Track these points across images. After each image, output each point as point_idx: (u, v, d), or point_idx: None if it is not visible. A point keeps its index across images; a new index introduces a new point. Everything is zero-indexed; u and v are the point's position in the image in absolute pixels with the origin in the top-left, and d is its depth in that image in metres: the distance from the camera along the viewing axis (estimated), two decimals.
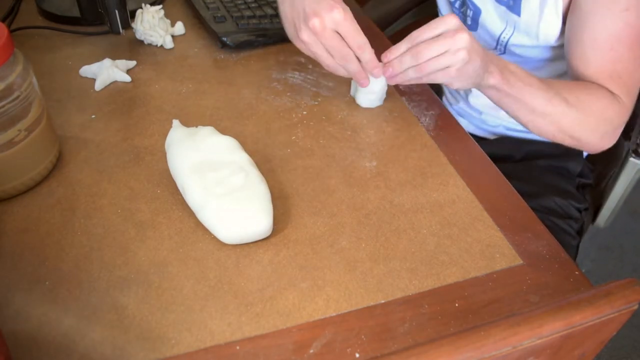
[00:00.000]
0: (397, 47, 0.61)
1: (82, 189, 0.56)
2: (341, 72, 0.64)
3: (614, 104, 0.66)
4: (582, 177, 0.84)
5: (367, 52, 0.62)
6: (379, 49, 0.81)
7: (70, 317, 0.44)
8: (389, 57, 0.61)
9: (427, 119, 0.68)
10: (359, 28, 0.61)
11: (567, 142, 0.66)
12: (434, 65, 0.59)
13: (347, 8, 0.60)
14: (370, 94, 0.68)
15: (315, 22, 0.59)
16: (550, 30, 0.71)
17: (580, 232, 0.83)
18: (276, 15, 0.83)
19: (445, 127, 0.68)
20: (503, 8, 0.74)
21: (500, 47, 0.78)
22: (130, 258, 0.49)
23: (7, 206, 0.54)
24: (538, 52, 0.76)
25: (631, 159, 0.84)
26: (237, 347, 0.43)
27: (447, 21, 0.58)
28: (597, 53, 0.65)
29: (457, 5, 0.83)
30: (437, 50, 0.58)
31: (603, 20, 0.63)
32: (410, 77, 0.61)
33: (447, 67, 0.59)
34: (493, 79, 0.62)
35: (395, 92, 0.73)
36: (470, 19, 0.79)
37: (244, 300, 0.46)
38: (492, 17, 0.76)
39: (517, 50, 0.77)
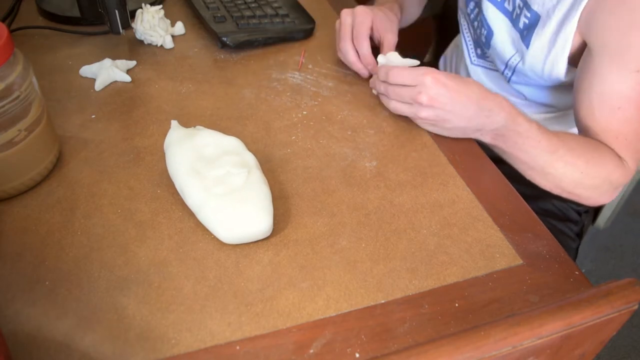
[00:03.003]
0: (381, 69, 0.66)
1: (82, 189, 0.56)
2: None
3: (620, 168, 0.63)
4: None
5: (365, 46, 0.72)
6: (379, 49, 0.81)
7: (70, 317, 0.44)
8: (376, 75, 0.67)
9: None
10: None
11: (564, 195, 0.65)
12: (398, 108, 0.64)
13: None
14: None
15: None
16: (554, 70, 0.69)
17: (580, 235, 0.83)
18: (276, 15, 0.83)
19: None
20: (517, 35, 0.72)
21: (508, 72, 0.77)
22: (130, 258, 0.49)
23: (7, 206, 0.54)
24: (544, 82, 0.75)
25: None
26: (237, 347, 0.43)
27: (424, 79, 0.59)
28: (604, 109, 0.63)
29: (473, 22, 0.82)
30: (401, 96, 0.63)
31: (613, 77, 0.61)
32: (383, 100, 0.67)
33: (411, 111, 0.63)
34: (485, 139, 0.63)
35: None
36: (484, 38, 0.78)
37: (244, 300, 0.46)
38: (504, 42, 0.75)
39: (525, 78, 0.76)
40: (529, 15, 0.69)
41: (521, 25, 0.71)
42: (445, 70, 1.03)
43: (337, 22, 0.75)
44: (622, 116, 0.62)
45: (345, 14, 0.73)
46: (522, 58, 0.72)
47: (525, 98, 0.81)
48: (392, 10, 0.79)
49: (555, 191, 0.64)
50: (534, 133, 0.60)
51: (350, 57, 0.73)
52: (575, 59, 0.67)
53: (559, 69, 0.68)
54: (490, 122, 0.60)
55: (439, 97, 0.59)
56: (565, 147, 0.61)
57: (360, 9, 0.73)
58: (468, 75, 0.88)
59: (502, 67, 0.78)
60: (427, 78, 0.59)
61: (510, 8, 0.73)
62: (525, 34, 0.71)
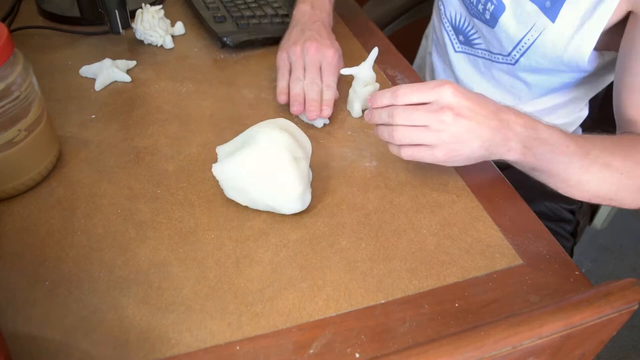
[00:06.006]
0: (382, 94, 0.54)
1: (82, 189, 0.56)
2: (283, 99, 0.66)
3: None
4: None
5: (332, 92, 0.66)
6: (379, 49, 0.81)
7: (70, 317, 0.44)
8: (372, 104, 0.55)
9: None
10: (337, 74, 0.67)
11: (605, 203, 0.58)
12: (408, 136, 0.51)
13: (340, 53, 0.68)
14: (358, 106, 0.68)
15: (311, 46, 0.66)
16: (580, 51, 0.63)
17: (574, 234, 0.83)
18: (276, 15, 0.83)
19: None
20: (535, 7, 0.65)
21: (517, 53, 0.71)
22: (130, 258, 0.49)
23: (7, 206, 0.54)
24: (557, 68, 0.69)
25: None
26: (237, 347, 0.43)
27: (442, 91, 0.50)
28: None
29: None
30: (414, 120, 0.51)
31: None
32: (384, 137, 0.54)
33: (426, 145, 0.51)
34: (513, 156, 0.53)
35: None
36: (489, 14, 0.71)
37: (244, 300, 0.46)
38: (519, 16, 0.67)
39: (537, 60, 0.70)
40: None
41: None
42: (419, 66, 1.02)
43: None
44: None
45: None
46: (541, 34, 0.65)
47: (528, 88, 0.76)
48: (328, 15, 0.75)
49: (595, 200, 0.57)
50: (558, 138, 0.53)
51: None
52: (603, 43, 0.62)
53: (585, 50, 0.62)
54: (513, 134, 0.52)
55: (463, 111, 0.50)
56: (597, 147, 0.54)
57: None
58: (450, 66, 0.84)
59: (508, 48, 0.71)
60: (445, 89, 0.50)
61: None
62: (550, 5, 0.63)
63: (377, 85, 0.68)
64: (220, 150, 0.56)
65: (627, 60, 0.59)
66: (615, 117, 0.63)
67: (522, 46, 0.69)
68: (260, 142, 0.52)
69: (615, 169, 0.54)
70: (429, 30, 1.00)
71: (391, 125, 0.52)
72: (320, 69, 0.67)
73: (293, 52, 0.67)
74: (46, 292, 0.46)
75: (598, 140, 0.55)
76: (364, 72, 0.65)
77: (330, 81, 0.66)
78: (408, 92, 0.51)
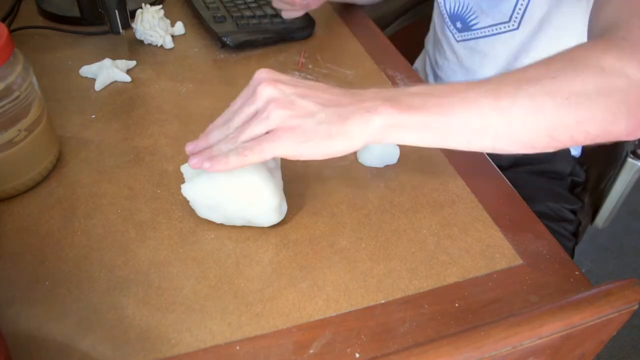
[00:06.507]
0: (203, 138, 0.48)
1: (82, 189, 0.56)
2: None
3: (611, 48, 0.43)
4: (573, 176, 0.84)
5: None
6: (379, 49, 0.81)
7: (70, 317, 0.44)
8: (191, 149, 0.48)
9: None
10: None
11: (573, 143, 0.44)
12: (250, 147, 0.44)
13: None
14: (371, 153, 0.61)
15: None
16: None
17: (575, 234, 0.83)
18: (276, 15, 0.83)
19: None
20: None
21: (517, 17, 0.71)
22: (130, 258, 0.49)
23: (7, 206, 0.54)
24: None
25: (630, 159, 0.84)
26: (237, 347, 0.43)
27: (259, 93, 0.45)
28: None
29: None
30: (253, 133, 0.45)
31: None
32: (233, 163, 0.45)
33: (268, 136, 0.44)
34: (382, 118, 0.43)
35: None
36: None
37: (244, 300, 0.46)
38: None
39: (535, 19, 0.70)
40: None
41: None
42: (425, 68, 1.03)
43: None
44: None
45: None
46: None
47: (533, 51, 0.76)
48: None
49: (555, 145, 0.44)
50: (446, 85, 0.45)
51: None
52: None
53: None
54: (365, 96, 0.45)
55: (285, 87, 0.45)
56: (511, 75, 0.43)
57: None
58: (455, 57, 0.87)
59: (509, 12, 0.72)
60: (260, 89, 0.45)
61: None
62: None
63: None
64: (186, 169, 0.53)
65: None
66: (588, 33, 0.53)
67: (521, 5, 0.71)
68: None
69: (548, 85, 0.42)
70: (429, 36, 1.00)
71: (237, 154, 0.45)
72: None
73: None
74: (46, 292, 0.46)
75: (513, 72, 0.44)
76: None
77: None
78: (235, 110, 0.47)
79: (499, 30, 0.79)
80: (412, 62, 1.05)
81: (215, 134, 0.48)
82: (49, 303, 0.45)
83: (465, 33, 0.84)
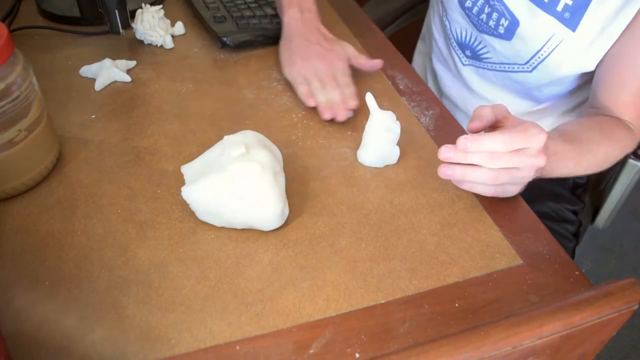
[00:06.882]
0: (489, 141, 0.51)
1: (82, 189, 0.56)
2: (312, 102, 0.66)
3: (631, 136, 0.68)
4: (575, 178, 0.84)
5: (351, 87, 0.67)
6: (379, 49, 0.81)
7: (70, 317, 0.44)
8: (447, 155, 0.52)
9: (427, 119, 0.68)
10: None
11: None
12: (503, 177, 0.52)
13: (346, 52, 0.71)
14: (371, 153, 0.61)
15: (320, 63, 0.68)
16: (599, 54, 0.68)
17: (576, 235, 0.83)
18: (276, 15, 0.83)
19: (445, 127, 0.68)
20: (552, 19, 0.69)
21: (534, 62, 0.74)
22: (130, 258, 0.49)
23: (7, 206, 0.54)
24: (575, 72, 0.72)
25: (630, 160, 0.84)
26: (237, 347, 0.43)
27: (537, 138, 0.51)
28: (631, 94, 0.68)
29: (478, 16, 0.76)
30: (514, 163, 0.52)
31: None
32: (480, 179, 0.52)
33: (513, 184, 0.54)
34: (538, 173, 0.55)
35: (395, 92, 0.73)
36: (503, 29, 0.74)
37: (244, 300, 0.46)
38: (534, 29, 0.71)
39: (552, 70, 0.73)
40: None
41: (560, 8, 0.68)
42: (417, 67, 1.02)
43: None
44: None
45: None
46: (561, 43, 0.69)
47: (544, 92, 0.78)
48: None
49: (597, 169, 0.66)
50: (562, 146, 0.59)
51: None
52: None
53: (603, 49, 0.68)
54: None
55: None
56: (585, 142, 0.63)
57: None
58: (459, 78, 0.86)
59: (526, 57, 0.74)
60: (541, 134, 0.51)
61: None
62: (569, 16, 0.67)
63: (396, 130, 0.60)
64: (187, 169, 0.53)
65: (623, 52, 0.67)
66: (591, 94, 0.71)
67: (541, 54, 0.72)
68: (238, 162, 0.49)
69: (601, 153, 0.64)
70: (424, 33, 1.00)
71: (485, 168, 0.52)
72: (335, 76, 0.69)
73: (305, 69, 0.69)
74: (46, 292, 0.46)
75: (585, 132, 0.64)
76: (383, 117, 0.59)
77: (346, 82, 0.68)
78: (509, 139, 0.51)
79: (512, 69, 0.78)
80: (411, 62, 1.04)
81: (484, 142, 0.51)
82: (49, 303, 0.45)
83: (475, 61, 0.82)
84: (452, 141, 0.64)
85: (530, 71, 0.75)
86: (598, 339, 0.41)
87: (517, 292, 0.48)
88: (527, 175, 0.53)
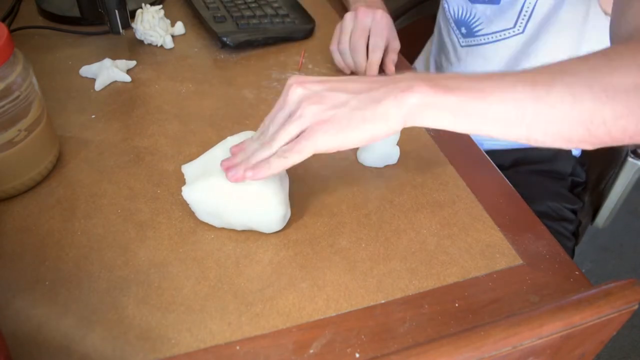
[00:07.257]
0: (239, 152, 0.49)
1: (82, 189, 0.56)
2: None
3: None
4: (574, 176, 0.84)
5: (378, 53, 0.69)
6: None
7: (70, 317, 0.44)
8: (227, 164, 0.49)
9: None
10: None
11: (612, 143, 0.42)
12: (283, 138, 0.46)
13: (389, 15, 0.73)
14: (371, 153, 0.62)
15: (360, 8, 0.71)
16: None
17: (575, 234, 0.83)
18: (276, 15, 0.83)
19: None
20: None
21: (522, 22, 0.73)
22: (130, 258, 0.49)
23: (7, 206, 0.54)
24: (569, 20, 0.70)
25: (630, 159, 0.84)
26: (237, 347, 0.43)
27: (290, 95, 0.47)
28: None
29: None
30: (289, 133, 0.46)
31: None
32: (276, 167, 0.46)
33: (301, 133, 0.46)
34: (417, 97, 0.43)
35: None
36: None
37: (244, 300, 0.46)
38: None
39: (541, 21, 0.72)
40: None
41: None
42: (426, 70, 1.03)
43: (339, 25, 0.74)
44: None
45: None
46: None
47: (539, 55, 0.77)
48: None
49: (591, 140, 0.42)
50: (479, 73, 0.44)
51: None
52: None
53: None
54: (398, 79, 0.45)
55: (313, 83, 0.47)
56: (546, 67, 0.43)
57: (363, 12, 0.72)
58: (459, 63, 0.88)
59: (514, 18, 0.74)
60: (291, 91, 0.47)
61: None
62: None
63: None
64: (187, 169, 0.52)
65: None
66: (611, 38, 0.52)
67: (526, 11, 0.73)
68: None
69: (589, 81, 0.40)
70: (433, 38, 1.01)
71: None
72: (370, 30, 0.71)
73: (346, 17, 0.72)
74: (46, 292, 0.46)
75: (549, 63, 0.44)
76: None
77: (375, 42, 0.70)
78: (273, 122, 0.47)
79: (503, 36, 0.80)
80: (412, 62, 1.05)
81: (251, 145, 0.49)
82: (49, 303, 0.45)
83: (470, 39, 0.85)
84: (453, 142, 0.65)
85: (522, 31, 0.76)
86: (598, 338, 0.41)
87: (517, 292, 0.48)
88: (319, 127, 0.44)
